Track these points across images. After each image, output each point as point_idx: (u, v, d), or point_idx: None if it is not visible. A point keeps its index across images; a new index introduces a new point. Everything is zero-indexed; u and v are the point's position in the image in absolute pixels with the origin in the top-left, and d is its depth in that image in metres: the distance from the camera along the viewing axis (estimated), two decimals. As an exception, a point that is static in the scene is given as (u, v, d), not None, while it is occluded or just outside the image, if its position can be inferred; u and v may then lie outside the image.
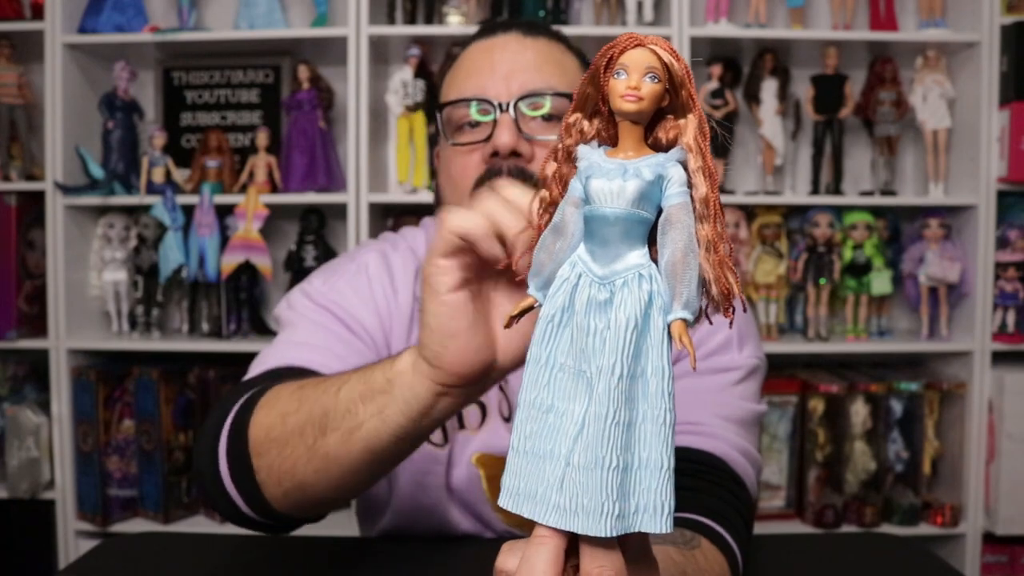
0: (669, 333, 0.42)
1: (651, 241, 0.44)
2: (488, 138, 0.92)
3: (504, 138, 0.90)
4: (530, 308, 0.46)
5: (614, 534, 0.41)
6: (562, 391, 0.43)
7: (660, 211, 0.43)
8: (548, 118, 0.93)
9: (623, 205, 0.42)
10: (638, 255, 0.43)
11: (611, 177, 0.43)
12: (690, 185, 0.43)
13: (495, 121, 0.92)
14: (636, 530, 0.41)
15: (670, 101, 0.44)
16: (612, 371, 0.41)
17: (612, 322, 0.42)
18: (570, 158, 0.46)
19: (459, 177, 0.95)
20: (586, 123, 0.45)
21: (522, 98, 0.92)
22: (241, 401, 0.79)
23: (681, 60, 0.43)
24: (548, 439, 0.43)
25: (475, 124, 0.94)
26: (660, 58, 0.42)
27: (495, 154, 0.91)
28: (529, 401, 0.44)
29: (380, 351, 0.96)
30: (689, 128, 0.43)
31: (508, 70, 0.94)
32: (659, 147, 0.45)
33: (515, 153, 0.91)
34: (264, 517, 0.79)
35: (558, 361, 0.43)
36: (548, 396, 0.43)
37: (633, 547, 0.44)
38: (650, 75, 0.42)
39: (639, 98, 0.42)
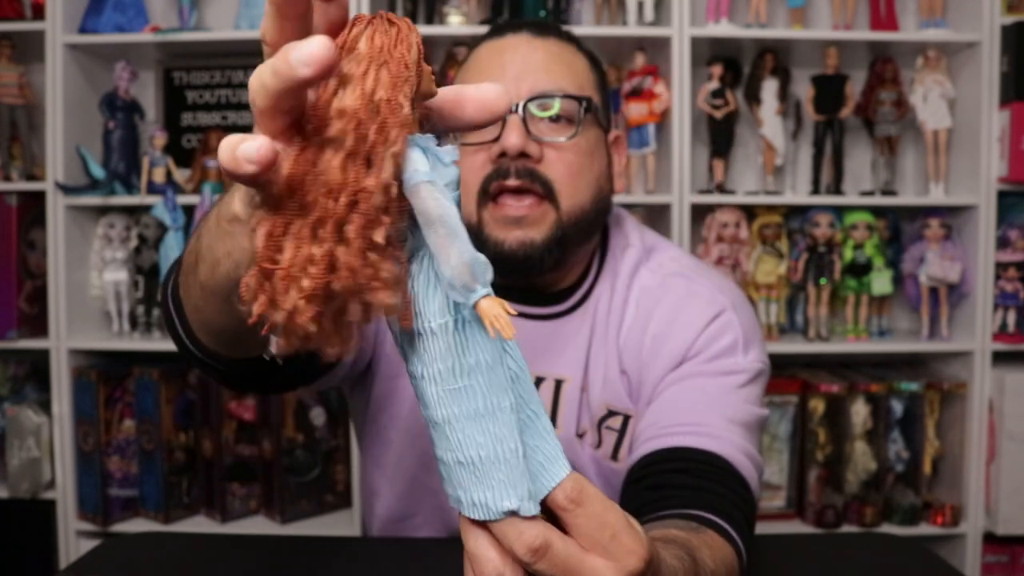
0: (482, 322, 0.39)
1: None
2: (496, 138, 0.92)
3: (513, 139, 0.90)
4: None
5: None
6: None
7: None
8: (556, 119, 0.93)
9: None
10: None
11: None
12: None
13: (504, 121, 0.91)
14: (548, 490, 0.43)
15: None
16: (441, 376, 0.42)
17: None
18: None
19: (465, 176, 0.95)
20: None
21: (532, 99, 0.92)
22: None
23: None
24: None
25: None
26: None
27: (503, 154, 0.91)
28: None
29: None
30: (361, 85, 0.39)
31: (518, 71, 0.94)
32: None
33: (523, 154, 0.91)
34: (201, 352, 0.74)
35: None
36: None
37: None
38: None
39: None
